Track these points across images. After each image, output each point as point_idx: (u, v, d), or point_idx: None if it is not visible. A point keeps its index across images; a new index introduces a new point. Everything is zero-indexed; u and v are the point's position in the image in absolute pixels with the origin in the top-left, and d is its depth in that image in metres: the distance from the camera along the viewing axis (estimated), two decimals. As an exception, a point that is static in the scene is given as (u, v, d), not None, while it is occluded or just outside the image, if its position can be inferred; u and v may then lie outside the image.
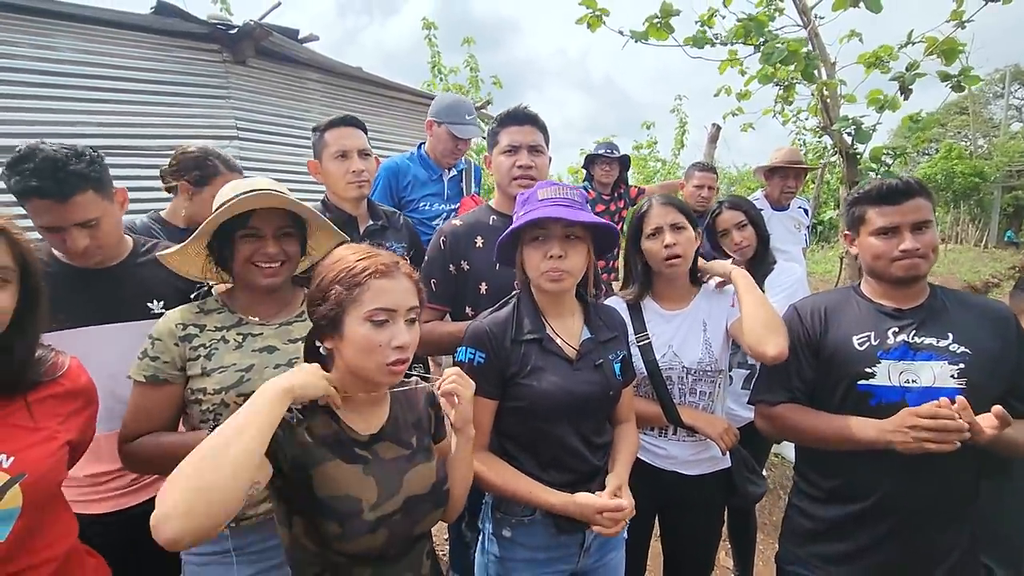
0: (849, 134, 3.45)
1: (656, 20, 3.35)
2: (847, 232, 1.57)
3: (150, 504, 1.56)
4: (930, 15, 3.13)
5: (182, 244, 1.35)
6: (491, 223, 1.85)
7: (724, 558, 2.86)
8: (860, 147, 3.48)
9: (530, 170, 1.80)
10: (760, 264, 2.24)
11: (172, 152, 2.06)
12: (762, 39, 3.28)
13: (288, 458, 1.01)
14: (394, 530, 1.07)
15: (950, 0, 2.97)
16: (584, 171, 3.91)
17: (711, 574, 1.92)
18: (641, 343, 1.71)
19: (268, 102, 4.84)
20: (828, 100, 3.56)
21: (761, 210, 3.01)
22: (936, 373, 1.37)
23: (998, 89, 32.35)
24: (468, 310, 1.84)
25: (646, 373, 1.70)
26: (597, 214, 3.69)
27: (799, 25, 3.49)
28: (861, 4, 3.13)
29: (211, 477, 0.84)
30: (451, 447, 1.26)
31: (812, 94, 3.66)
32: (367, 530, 1.03)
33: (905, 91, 3.26)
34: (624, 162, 3.79)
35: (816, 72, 3.42)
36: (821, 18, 3.48)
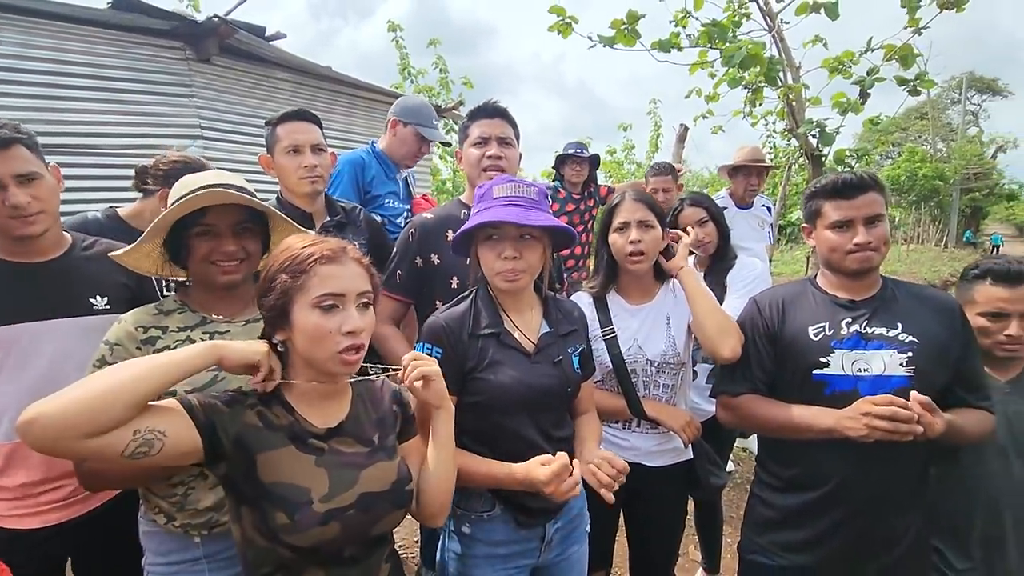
0: (814, 136, 3.55)
1: (623, 26, 3.40)
2: (805, 225, 1.61)
3: (92, 517, 1.51)
4: (890, 23, 3.25)
5: (135, 243, 1.30)
6: (462, 217, 1.84)
7: (693, 551, 2.90)
8: (825, 149, 3.58)
9: (500, 160, 1.80)
10: (721, 259, 2.29)
11: (132, 151, 1.99)
12: (726, 43, 3.35)
13: (230, 436, 0.99)
14: (348, 525, 1.04)
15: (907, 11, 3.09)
16: (555, 171, 3.93)
17: (676, 564, 1.95)
18: (607, 337, 1.72)
19: (234, 101, 4.74)
20: (794, 103, 3.65)
21: (725, 208, 3.07)
22: (886, 362, 1.41)
23: (955, 95, 33.70)
24: (439, 304, 1.83)
25: (611, 367, 1.72)
26: (567, 213, 3.74)
27: (765, 29, 3.57)
28: (822, 10, 3.23)
29: (90, 382, 0.87)
30: (431, 432, 1.22)
31: (778, 97, 3.75)
32: (317, 522, 1.00)
33: (864, 95, 3.37)
34: (594, 161, 3.82)
35: (780, 75, 3.51)
36: (786, 23, 3.58)
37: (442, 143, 3.08)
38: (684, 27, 3.54)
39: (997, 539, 1.51)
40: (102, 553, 1.53)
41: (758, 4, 3.55)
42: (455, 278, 1.79)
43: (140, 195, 2.02)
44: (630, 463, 1.73)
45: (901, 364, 1.40)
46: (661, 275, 1.82)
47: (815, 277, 1.63)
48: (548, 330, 1.45)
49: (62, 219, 1.56)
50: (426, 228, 1.83)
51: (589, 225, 3.91)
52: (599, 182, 4.02)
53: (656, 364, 1.73)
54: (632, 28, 3.40)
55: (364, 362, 1.12)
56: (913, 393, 1.27)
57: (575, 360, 1.47)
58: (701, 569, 2.75)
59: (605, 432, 1.72)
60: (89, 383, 0.87)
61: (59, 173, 1.53)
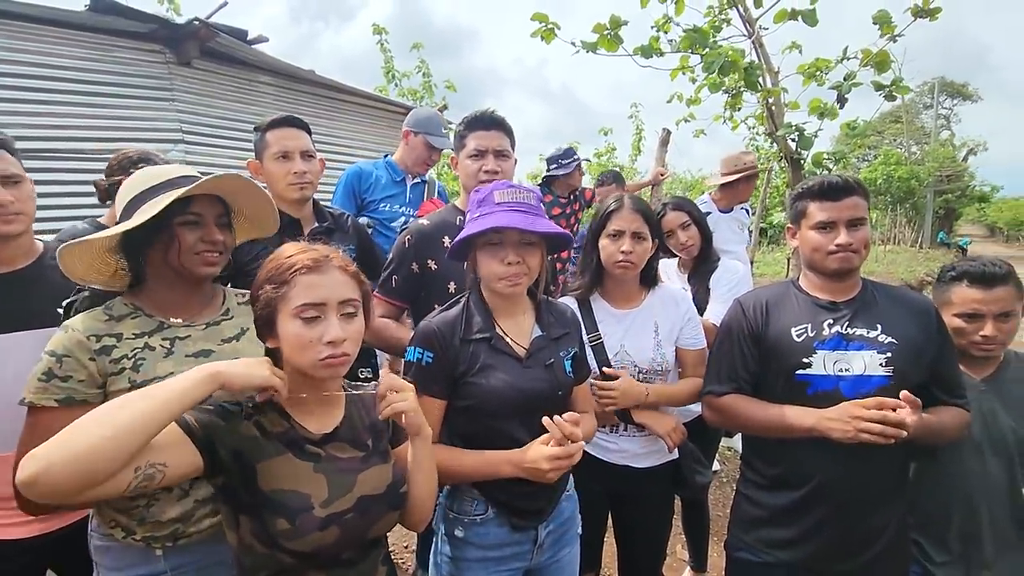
0: (793, 140, 3.61)
1: (606, 32, 3.44)
2: (790, 225, 1.64)
3: (71, 528, 1.47)
4: (866, 29, 3.33)
5: (93, 235, 1.20)
6: (457, 223, 1.85)
7: (680, 550, 2.93)
8: (803, 152, 3.65)
9: (496, 175, 1.82)
10: (704, 261, 2.34)
11: (111, 156, 1.94)
12: (706, 49, 3.41)
13: (229, 450, 0.98)
14: (347, 529, 1.05)
15: (882, 20, 3.17)
16: (543, 181, 3.97)
17: (664, 564, 1.97)
18: (593, 343, 1.74)
19: (216, 105, 4.67)
20: (773, 108, 3.72)
21: (709, 214, 3.12)
22: (866, 362, 1.45)
23: (928, 100, 34.58)
24: (437, 308, 1.84)
25: (598, 373, 1.73)
26: (554, 217, 3.77)
27: (745, 35, 3.64)
28: (800, 17, 3.31)
29: (90, 430, 0.82)
30: (409, 454, 1.22)
31: (758, 102, 3.82)
32: (317, 527, 1.01)
33: (841, 100, 3.45)
34: (579, 167, 3.86)
35: (760, 81, 3.57)
36: (765, 29, 3.65)
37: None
38: (666, 32, 3.59)
39: (974, 533, 1.55)
40: (87, 564, 1.50)
41: (738, 11, 3.61)
42: (452, 283, 1.80)
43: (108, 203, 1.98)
44: (618, 465, 1.78)
45: (881, 364, 1.44)
46: (646, 280, 1.84)
47: (797, 279, 1.66)
48: (540, 334, 1.46)
49: (47, 236, 1.54)
50: (423, 234, 1.84)
51: (575, 228, 3.94)
52: (583, 185, 4.07)
53: (644, 371, 1.76)
54: (615, 34, 3.44)
55: (363, 362, 1.12)
56: (903, 393, 1.30)
57: (567, 364, 1.47)
58: (688, 568, 2.78)
59: (595, 436, 1.73)
60: (86, 432, 0.82)
61: (33, 185, 1.50)
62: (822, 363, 1.47)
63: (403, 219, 2.80)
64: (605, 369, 1.72)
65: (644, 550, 1.89)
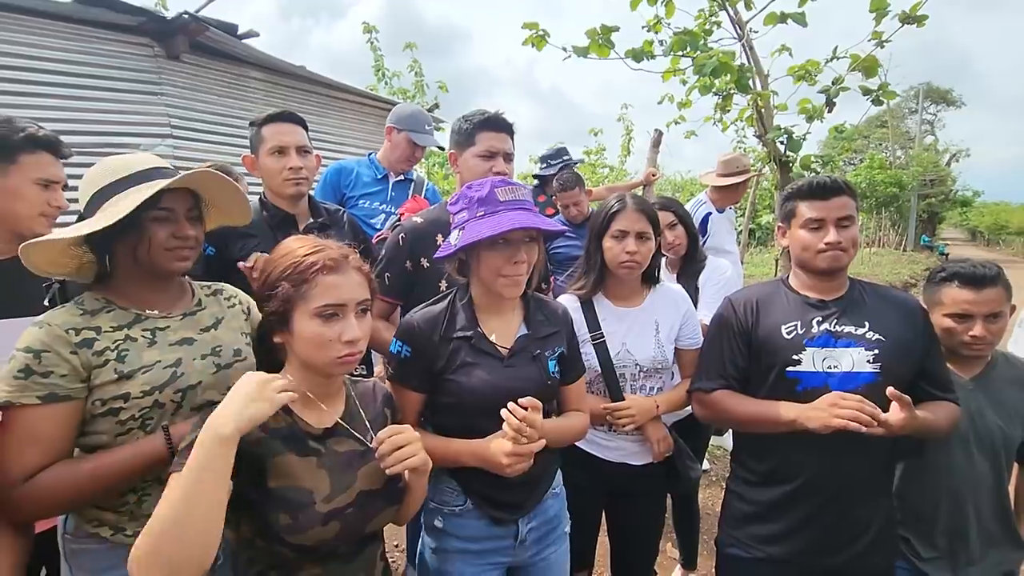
0: (782, 142, 3.66)
1: (597, 37, 3.46)
2: (781, 224, 1.66)
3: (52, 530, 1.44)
4: (854, 34, 3.38)
5: (56, 234, 1.16)
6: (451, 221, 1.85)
7: (671, 548, 2.95)
8: (792, 155, 3.70)
9: (505, 178, 1.82)
10: (691, 261, 2.35)
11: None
12: (697, 51, 3.44)
13: (242, 456, 0.97)
14: (346, 524, 1.06)
15: (872, 21, 3.22)
16: (534, 178, 3.98)
17: (656, 561, 1.98)
18: (596, 341, 1.75)
19: (205, 99, 4.63)
20: (763, 110, 3.76)
21: (709, 214, 3.14)
22: (855, 359, 1.47)
23: (913, 105, 35.12)
24: None
25: (600, 371, 1.74)
26: (548, 217, 3.77)
27: (735, 38, 3.67)
28: (790, 20, 3.35)
29: (177, 550, 0.85)
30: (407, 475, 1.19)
31: (747, 104, 3.85)
32: (319, 522, 1.02)
33: (830, 103, 3.50)
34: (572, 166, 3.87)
35: (751, 83, 3.61)
36: (755, 32, 3.68)
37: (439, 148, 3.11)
38: (657, 32, 3.62)
39: (960, 530, 1.57)
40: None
41: (728, 14, 3.65)
42: (443, 281, 1.80)
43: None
44: (615, 463, 1.79)
45: (868, 361, 1.46)
46: (647, 279, 1.85)
47: (787, 278, 1.68)
48: (525, 332, 1.45)
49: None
50: (416, 233, 1.83)
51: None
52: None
53: (645, 369, 1.77)
54: (606, 39, 3.46)
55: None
56: (890, 389, 1.32)
57: (551, 364, 1.45)
58: (679, 566, 2.80)
59: (592, 435, 1.75)
60: (176, 527, 0.85)
61: None
62: (811, 360, 1.49)
63: (383, 216, 2.76)
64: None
65: (639, 548, 1.90)
